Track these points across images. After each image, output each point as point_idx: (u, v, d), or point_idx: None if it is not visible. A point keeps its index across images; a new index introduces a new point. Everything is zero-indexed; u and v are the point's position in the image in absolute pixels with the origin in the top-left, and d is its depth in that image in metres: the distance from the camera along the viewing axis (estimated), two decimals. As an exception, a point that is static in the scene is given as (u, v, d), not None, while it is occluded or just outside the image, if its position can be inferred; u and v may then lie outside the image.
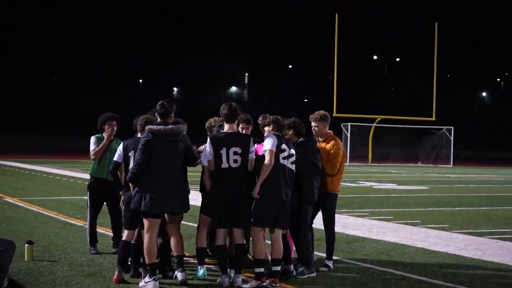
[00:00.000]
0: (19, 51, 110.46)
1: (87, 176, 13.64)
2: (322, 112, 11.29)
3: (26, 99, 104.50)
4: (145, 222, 9.83)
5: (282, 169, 9.96)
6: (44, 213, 18.15)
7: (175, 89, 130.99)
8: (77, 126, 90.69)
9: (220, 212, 9.98)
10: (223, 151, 9.91)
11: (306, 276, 10.54)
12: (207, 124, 11.33)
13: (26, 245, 11.38)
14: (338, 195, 11.38)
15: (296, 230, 10.78)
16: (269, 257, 10.42)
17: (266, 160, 9.85)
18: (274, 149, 9.91)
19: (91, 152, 12.40)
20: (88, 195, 12.56)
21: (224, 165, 9.92)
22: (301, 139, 10.81)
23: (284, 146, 10.05)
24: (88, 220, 12.45)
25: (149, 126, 9.84)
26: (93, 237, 12.28)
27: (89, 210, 12.52)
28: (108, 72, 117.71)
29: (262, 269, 9.90)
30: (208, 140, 10.06)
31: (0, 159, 53.56)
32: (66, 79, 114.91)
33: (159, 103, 10.08)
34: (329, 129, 11.29)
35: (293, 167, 10.15)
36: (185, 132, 10.13)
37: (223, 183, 9.94)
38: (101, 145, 12.33)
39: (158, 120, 10.05)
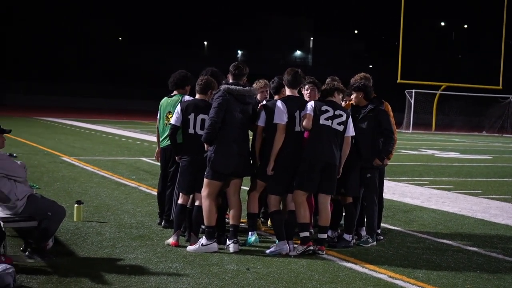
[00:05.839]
0: (90, 11, 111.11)
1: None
2: (362, 73, 11.06)
3: (92, 58, 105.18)
4: (208, 184, 9.59)
5: (325, 130, 9.63)
6: (98, 173, 18.13)
7: (239, 52, 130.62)
8: (142, 87, 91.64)
9: (285, 179, 9.69)
10: (297, 114, 9.70)
11: (369, 244, 10.28)
12: (255, 85, 10.76)
13: (76, 205, 11.32)
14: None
15: (363, 196, 10.59)
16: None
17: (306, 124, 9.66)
18: (311, 113, 9.63)
19: None
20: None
21: (297, 128, 9.72)
22: (370, 106, 10.47)
23: (325, 107, 9.68)
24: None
25: (227, 86, 9.62)
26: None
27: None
28: (175, 34, 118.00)
29: (307, 233, 9.61)
30: (282, 103, 9.68)
31: (62, 118, 54.11)
32: (131, 39, 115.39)
33: (233, 64, 9.92)
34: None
35: (340, 127, 9.74)
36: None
37: (295, 146, 9.69)
38: None
39: (230, 81, 9.86)
